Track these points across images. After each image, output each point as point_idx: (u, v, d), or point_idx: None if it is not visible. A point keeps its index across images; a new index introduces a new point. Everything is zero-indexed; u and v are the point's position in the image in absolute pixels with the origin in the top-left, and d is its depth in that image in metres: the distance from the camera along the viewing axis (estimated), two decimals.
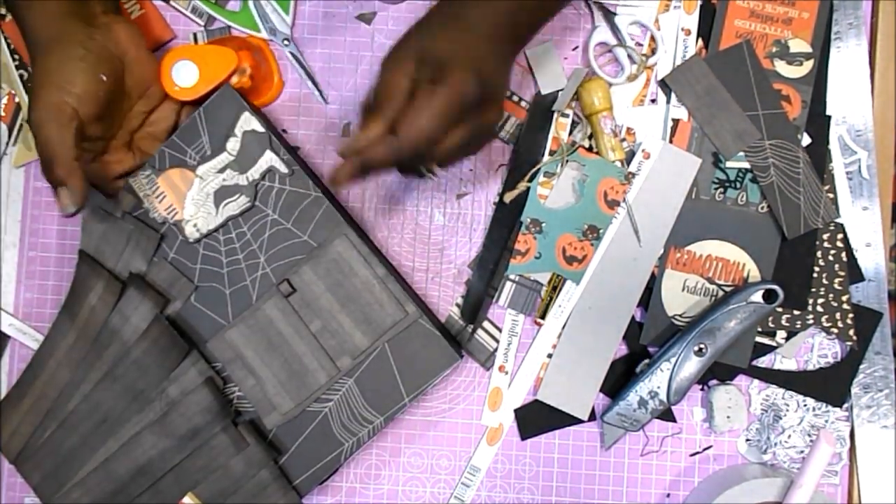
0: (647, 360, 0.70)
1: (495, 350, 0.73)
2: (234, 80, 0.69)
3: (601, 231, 0.71)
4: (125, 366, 0.66)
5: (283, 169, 0.67)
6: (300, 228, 0.67)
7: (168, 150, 0.68)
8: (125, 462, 0.66)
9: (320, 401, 0.67)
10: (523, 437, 0.73)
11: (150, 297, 0.66)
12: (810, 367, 0.72)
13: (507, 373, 0.72)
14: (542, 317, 0.72)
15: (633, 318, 0.72)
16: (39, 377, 0.67)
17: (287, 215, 0.67)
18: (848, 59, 0.73)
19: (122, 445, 0.66)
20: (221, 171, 0.67)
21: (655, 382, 0.69)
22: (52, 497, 0.67)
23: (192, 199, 0.67)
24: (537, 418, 0.72)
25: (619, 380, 0.72)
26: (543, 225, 0.71)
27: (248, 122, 0.67)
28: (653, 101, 0.73)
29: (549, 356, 0.72)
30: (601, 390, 0.72)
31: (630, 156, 0.72)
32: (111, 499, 0.67)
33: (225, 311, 0.68)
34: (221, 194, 0.67)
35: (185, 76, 0.67)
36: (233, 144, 0.67)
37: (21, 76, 0.73)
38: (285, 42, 0.73)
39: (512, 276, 0.72)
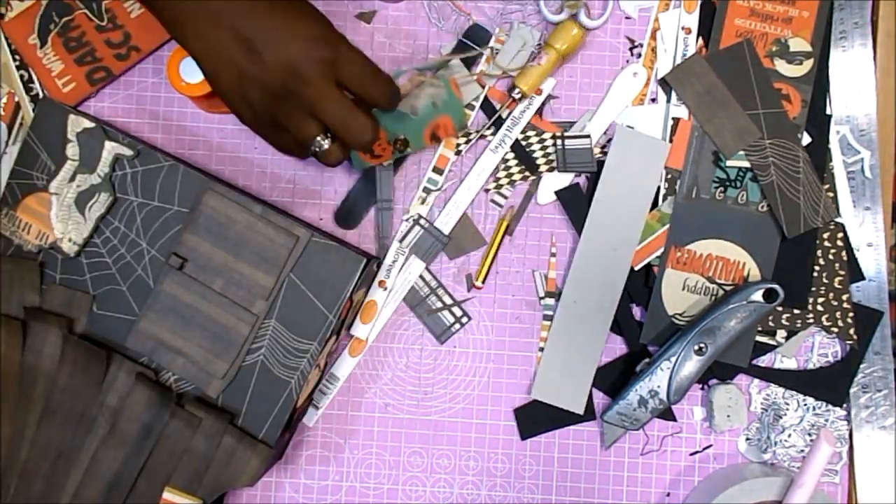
0: (647, 360, 0.70)
1: (451, 325, 0.73)
2: None
3: (407, 150, 0.69)
4: (57, 396, 0.66)
5: (128, 152, 0.68)
6: (167, 201, 0.68)
7: (13, 181, 0.69)
8: (94, 485, 0.66)
9: (252, 351, 0.67)
10: (523, 437, 0.73)
11: (54, 323, 0.67)
12: (810, 367, 0.72)
13: (386, 289, 0.72)
14: (483, 281, 0.72)
15: (633, 317, 0.72)
16: None
17: (150, 194, 0.68)
18: (853, 58, 0.73)
19: (86, 471, 0.66)
20: (72, 179, 0.68)
21: (656, 381, 0.69)
22: None
23: (56, 217, 0.68)
24: (537, 418, 0.72)
25: (620, 379, 0.72)
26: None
27: (77, 123, 0.68)
28: (653, 100, 0.73)
29: (541, 350, 0.72)
30: (601, 389, 0.72)
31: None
32: None
33: (129, 306, 0.68)
34: (82, 200, 0.68)
35: (192, 72, 0.67)
36: (72, 150, 0.68)
37: (21, 76, 0.73)
38: None
39: (422, 222, 0.72)
